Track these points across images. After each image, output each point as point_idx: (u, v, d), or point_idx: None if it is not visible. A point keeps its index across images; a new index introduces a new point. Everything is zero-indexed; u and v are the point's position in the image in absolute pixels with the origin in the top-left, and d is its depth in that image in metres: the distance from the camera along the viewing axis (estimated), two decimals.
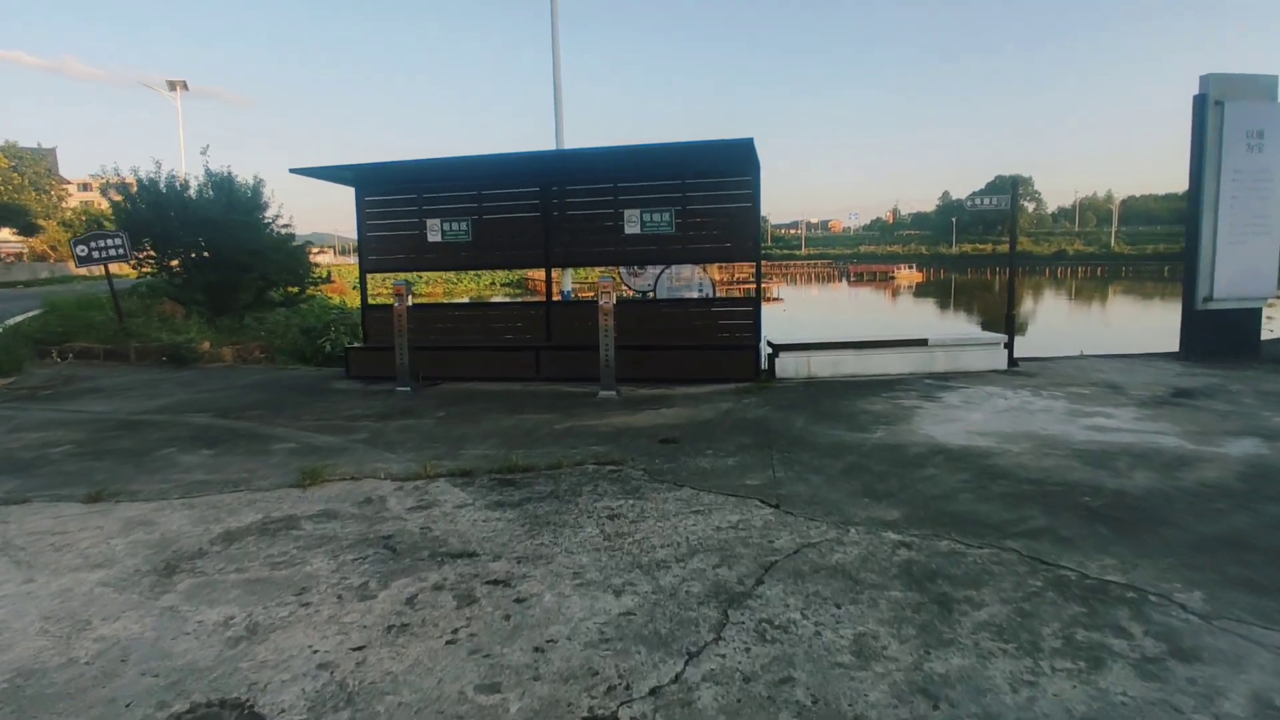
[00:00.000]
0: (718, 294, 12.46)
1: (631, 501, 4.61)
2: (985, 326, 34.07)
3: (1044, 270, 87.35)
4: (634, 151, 8.32)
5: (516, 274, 48.84)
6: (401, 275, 10.12)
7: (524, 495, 4.79)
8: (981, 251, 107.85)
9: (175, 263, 15.87)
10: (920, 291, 63.89)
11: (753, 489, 4.80)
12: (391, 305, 9.08)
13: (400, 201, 10.17)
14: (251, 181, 16.34)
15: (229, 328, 15.78)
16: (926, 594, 3.29)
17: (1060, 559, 3.64)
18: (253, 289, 16.67)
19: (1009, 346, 9.20)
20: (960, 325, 35.34)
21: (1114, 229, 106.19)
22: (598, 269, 15.21)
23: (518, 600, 3.34)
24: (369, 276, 10.72)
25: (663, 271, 12.00)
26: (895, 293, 63.13)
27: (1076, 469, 5.10)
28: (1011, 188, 9.17)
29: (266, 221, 16.45)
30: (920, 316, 40.81)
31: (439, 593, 3.43)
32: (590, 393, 8.39)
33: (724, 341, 9.26)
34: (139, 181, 15.68)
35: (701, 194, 9.24)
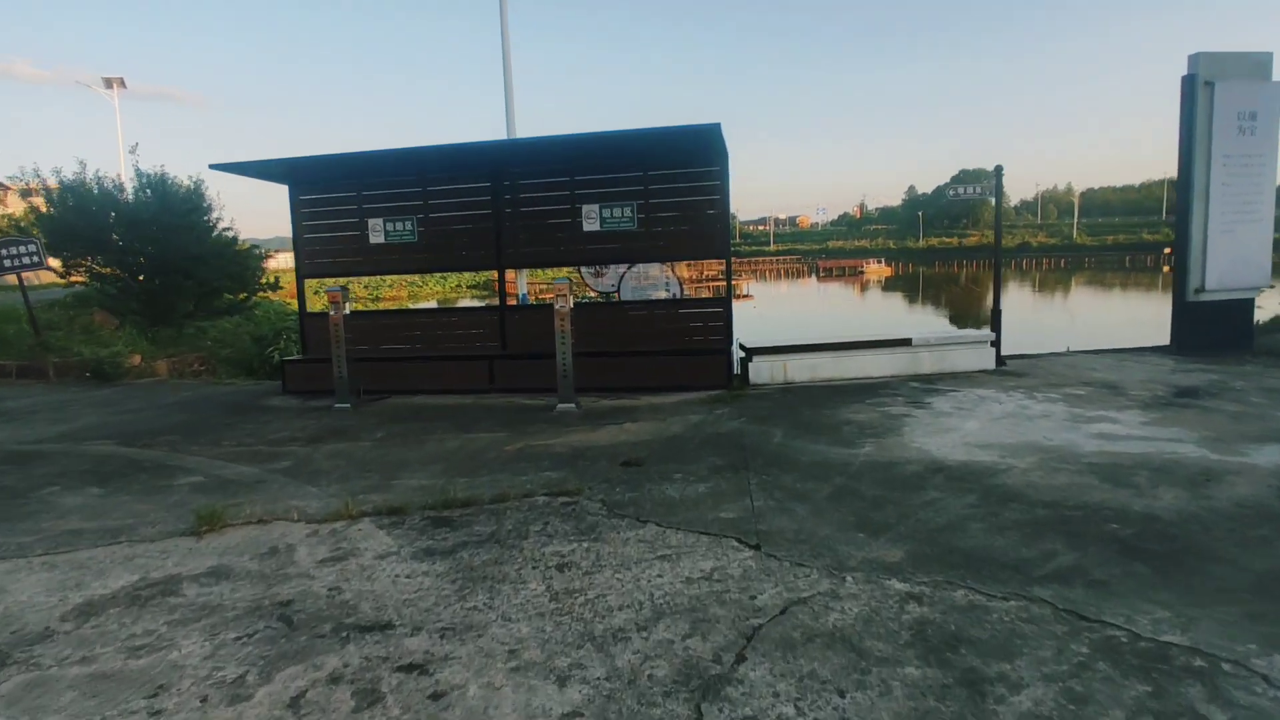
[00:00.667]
0: (686, 294, 11.78)
1: (586, 544, 3.89)
2: (955, 320, 33.90)
3: (1009, 262, 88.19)
4: (591, 140, 7.60)
5: (484, 275, 47.55)
6: (341, 280, 9.27)
7: (460, 539, 4.05)
8: (948, 245, 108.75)
9: (107, 270, 14.81)
10: (890, 285, 64.02)
11: (728, 524, 4.11)
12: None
13: (338, 200, 9.33)
14: (188, 182, 15.31)
15: (168, 339, 14.78)
16: (950, 671, 2.62)
17: (1103, 612, 3.00)
18: (192, 297, 15.63)
19: (996, 345, 8.64)
20: (930, 320, 35.15)
21: (1075, 221, 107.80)
22: (556, 270, 14.39)
23: (434, 696, 2.61)
24: (307, 283, 9.87)
25: (627, 271, 11.30)
26: (864, 287, 63.17)
27: (1094, 487, 4.49)
28: (995, 174, 8.62)
29: (208, 224, 15.46)
30: (892, 311, 40.64)
31: (335, 687, 2.69)
32: (548, 405, 7.65)
33: (693, 346, 8.58)
34: (61, 184, 14.58)
35: (666, 186, 8.55)
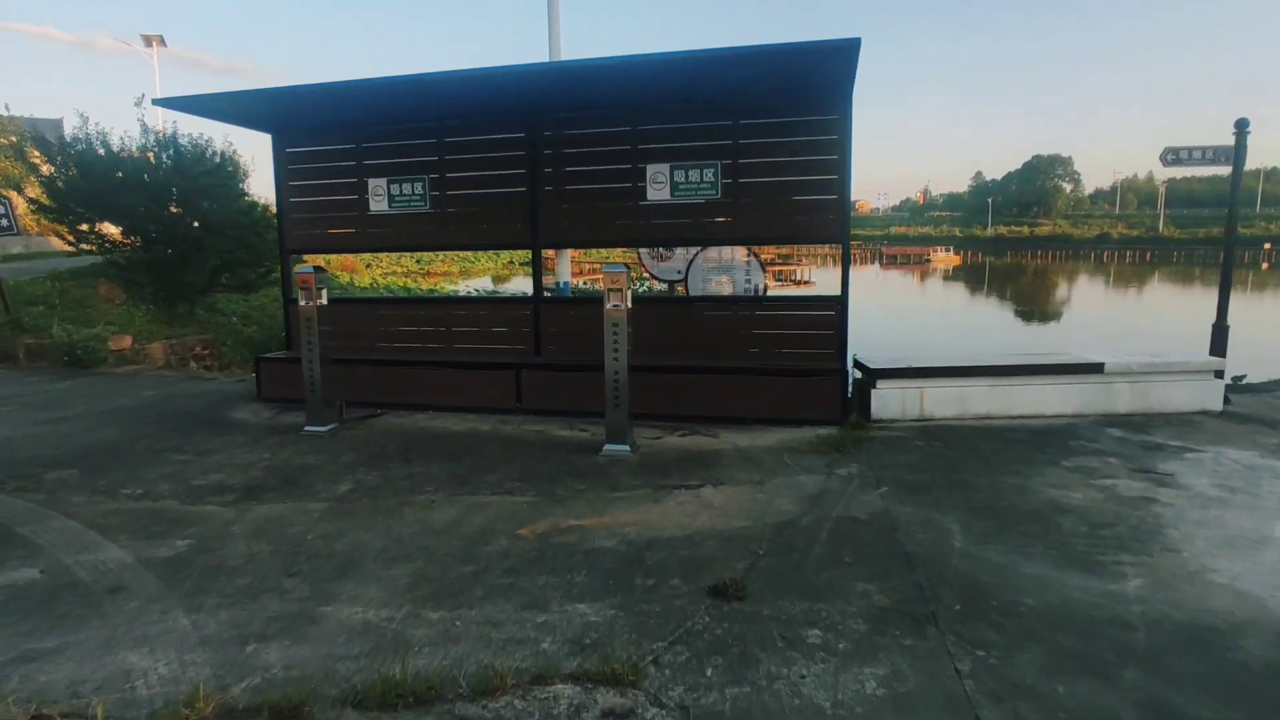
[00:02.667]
0: (767, 286, 9.38)
1: None
2: (1024, 315, 30.46)
3: (1088, 255, 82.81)
4: (665, 65, 5.27)
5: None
6: (333, 257, 7.21)
7: None
8: (1018, 234, 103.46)
9: (120, 236, 13.15)
10: (960, 275, 60.28)
11: None
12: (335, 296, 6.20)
13: (332, 153, 7.25)
14: (201, 140, 13.54)
15: (181, 316, 13.18)
16: None
17: None
18: (205, 269, 13.89)
19: (1223, 375, 6.13)
20: (996, 310, 31.70)
21: (1161, 211, 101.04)
22: (609, 251, 11.34)
23: None
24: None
25: (698, 254, 9.02)
26: (931, 276, 59.50)
27: None
28: (1238, 131, 6.04)
29: (233, 190, 13.77)
30: (965, 301, 37.49)
31: None
32: (591, 444, 5.47)
33: (792, 362, 6.26)
34: (60, 142, 12.97)
35: (764, 141, 6.22)
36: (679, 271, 9.18)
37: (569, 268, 8.16)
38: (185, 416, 6.70)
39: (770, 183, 6.24)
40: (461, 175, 6.93)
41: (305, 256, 10.08)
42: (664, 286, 9.73)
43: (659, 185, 6.40)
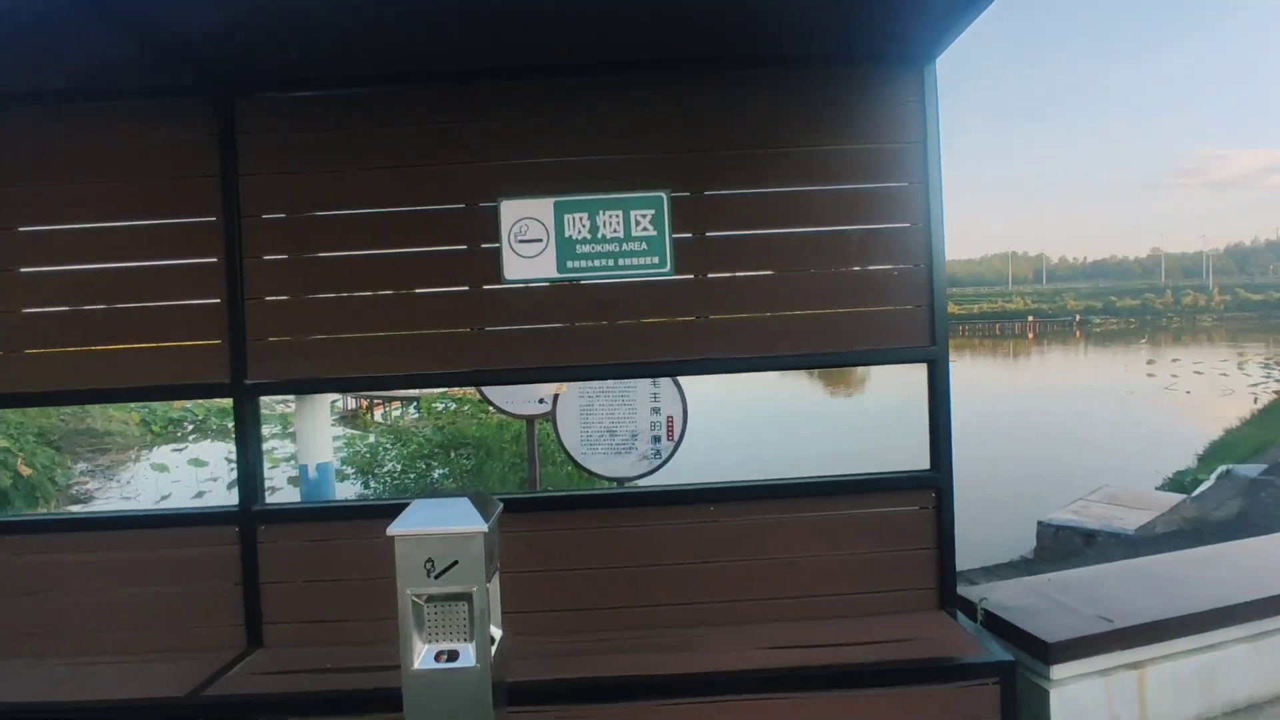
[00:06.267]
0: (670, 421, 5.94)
1: None
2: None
3: None
4: None
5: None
6: None
7: None
8: None
9: None
10: None
11: None
12: None
13: None
14: None
15: None
16: None
17: None
18: None
19: None
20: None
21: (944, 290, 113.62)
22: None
23: None
24: None
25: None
26: None
27: None
28: None
29: None
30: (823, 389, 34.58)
31: None
32: None
33: (861, 652, 2.78)
34: None
35: (756, 152, 2.92)
36: (542, 400, 5.62)
37: (327, 430, 4.10)
38: None
39: (775, 238, 2.92)
40: (55, 229, 2.97)
41: None
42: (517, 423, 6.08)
43: (531, 247, 2.86)
